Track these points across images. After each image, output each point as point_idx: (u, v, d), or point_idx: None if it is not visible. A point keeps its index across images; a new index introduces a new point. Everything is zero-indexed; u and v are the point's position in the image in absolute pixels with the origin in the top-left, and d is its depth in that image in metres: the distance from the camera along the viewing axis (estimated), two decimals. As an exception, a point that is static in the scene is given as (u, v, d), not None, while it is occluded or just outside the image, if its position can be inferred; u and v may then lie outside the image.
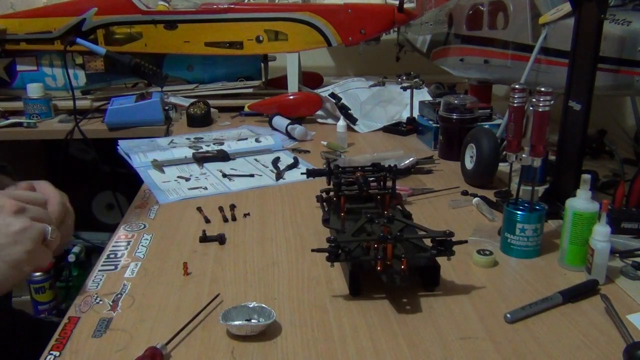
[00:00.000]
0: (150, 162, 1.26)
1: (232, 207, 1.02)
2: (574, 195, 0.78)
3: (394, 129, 1.56)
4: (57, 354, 0.61)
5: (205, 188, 1.14)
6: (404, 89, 1.58)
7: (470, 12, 1.49)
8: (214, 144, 1.36)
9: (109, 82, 1.85)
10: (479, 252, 0.81)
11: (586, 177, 0.77)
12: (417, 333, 0.65)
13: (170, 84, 1.84)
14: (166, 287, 0.75)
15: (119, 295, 0.73)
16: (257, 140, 1.39)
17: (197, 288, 0.75)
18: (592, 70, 0.89)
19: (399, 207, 0.93)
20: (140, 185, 1.16)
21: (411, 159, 1.20)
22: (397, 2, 1.81)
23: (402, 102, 1.62)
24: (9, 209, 0.63)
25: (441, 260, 0.73)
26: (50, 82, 1.84)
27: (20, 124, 1.66)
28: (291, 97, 1.67)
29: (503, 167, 1.13)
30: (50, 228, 0.65)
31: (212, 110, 1.69)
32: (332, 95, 1.61)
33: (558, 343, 0.63)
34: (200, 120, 1.64)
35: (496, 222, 0.94)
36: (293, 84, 1.77)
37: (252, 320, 0.66)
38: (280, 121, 1.53)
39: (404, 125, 1.55)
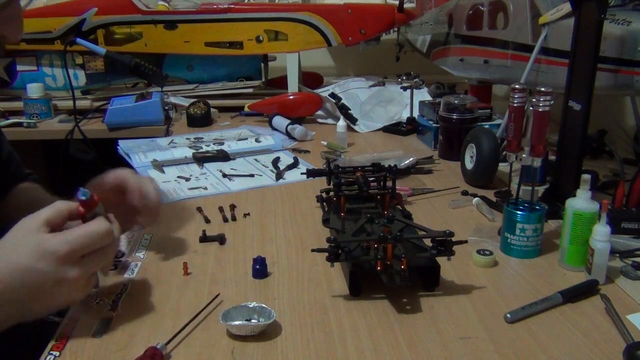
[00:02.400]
0: (150, 162, 1.26)
1: (232, 207, 1.02)
2: (574, 195, 0.78)
3: (394, 129, 1.56)
4: (57, 354, 0.61)
5: (205, 188, 1.14)
6: (404, 89, 1.58)
7: (470, 12, 1.49)
8: (214, 144, 1.36)
9: (109, 82, 1.85)
10: (479, 252, 0.81)
11: (586, 177, 0.77)
12: (417, 333, 0.65)
13: (170, 84, 1.83)
14: (166, 287, 0.75)
15: (119, 295, 0.73)
16: (257, 140, 1.39)
17: (197, 288, 0.75)
18: (592, 70, 0.89)
19: (399, 207, 0.93)
20: (140, 185, 1.16)
21: (411, 159, 1.20)
22: (397, 2, 1.81)
23: (402, 102, 1.62)
24: (57, 257, 0.58)
25: (441, 260, 0.73)
26: (50, 82, 1.84)
27: (20, 124, 1.66)
28: (291, 97, 1.67)
29: (503, 167, 1.13)
30: (98, 277, 0.65)
31: (212, 110, 1.69)
32: (332, 95, 1.61)
33: (558, 343, 0.63)
34: (200, 120, 1.64)
35: (496, 222, 0.94)
36: (293, 84, 1.77)
37: (252, 320, 0.66)
38: (280, 121, 1.53)
39: (404, 125, 1.55)
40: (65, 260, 0.59)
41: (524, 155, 0.83)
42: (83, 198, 0.63)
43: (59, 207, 0.62)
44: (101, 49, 1.65)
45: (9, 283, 0.58)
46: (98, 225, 0.61)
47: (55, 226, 0.61)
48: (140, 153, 1.29)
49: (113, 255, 0.66)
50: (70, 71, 1.78)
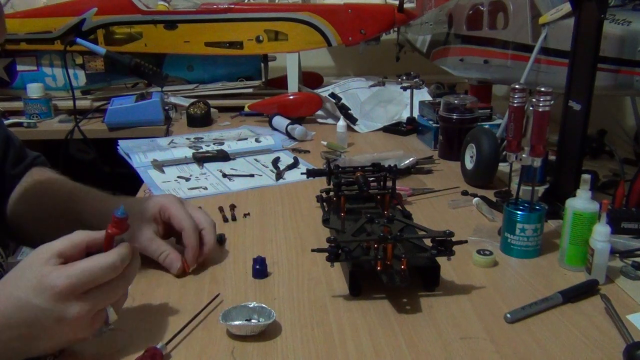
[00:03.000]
0: (150, 162, 1.26)
1: (232, 207, 1.02)
2: (574, 195, 0.78)
3: (394, 129, 1.56)
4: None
5: (205, 188, 1.14)
6: (404, 89, 1.58)
7: (470, 12, 1.49)
8: (214, 144, 1.36)
9: (109, 82, 1.85)
10: (479, 252, 0.81)
11: (586, 177, 0.77)
12: (417, 333, 0.65)
13: (170, 84, 1.84)
14: (166, 287, 0.75)
15: (119, 295, 0.73)
16: (257, 140, 1.39)
17: (197, 288, 0.75)
18: (592, 70, 0.89)
19: (399, 207, 0.93)
20: (140, 185, 1.16)
21: (411, 159, 1.20)
22: (397, 2, 1.81)
23: (402, 102, 1.62)
24: (55, 293, 0.53)
25: (441, 260, 0.73)
26: (50, 82, 1.84)
27: (20, 124, 1.67)
28: (291, 97, 1.67)
29: (503, 167, 1.13)
30: (111, 311, 0.58)
31: (212, 110, 1.69)
32: (332, 95, 1.61)
33: (558, 343, 0.63)
34: (200, 120, 1.64)
35: (496, 222, 0.94)
36: (293, 84, 1.77)
37: (252, 320, 0.66)
38: (280, 121, 1.53)
39: (404, 125, 1.55)
40: (64, 296, 0.54)
41: (524, 155, 0.83)
42: (121, 216, 0.57)
43: (74, 238, 0.57)
44: (101, 49, 1.65)
45: (9, 318, 0.54)
46: (105, 257, 0.56)
47: (69, 259, 0.56)
48: (140, 153, 1.29)
49: (124, 290, 0.60)
50: (70, 71, 1.78)
